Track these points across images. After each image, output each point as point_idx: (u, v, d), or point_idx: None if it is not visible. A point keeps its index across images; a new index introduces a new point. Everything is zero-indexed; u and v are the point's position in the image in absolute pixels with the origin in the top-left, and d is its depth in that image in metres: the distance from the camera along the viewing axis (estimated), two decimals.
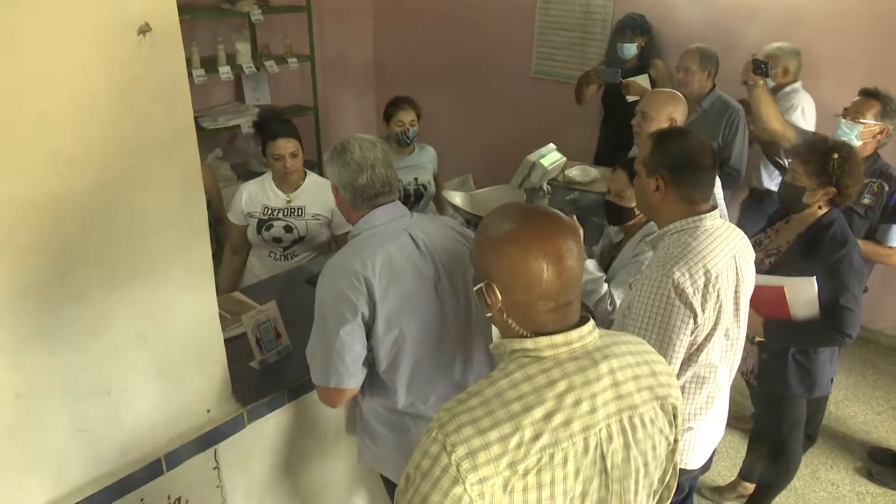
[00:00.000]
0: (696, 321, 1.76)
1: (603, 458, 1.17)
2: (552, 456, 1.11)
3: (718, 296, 1.78)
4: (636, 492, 1.22)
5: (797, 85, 3.77)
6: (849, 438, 3.46)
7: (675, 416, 1.28)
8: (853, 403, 3.73)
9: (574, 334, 1.18)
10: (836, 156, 2.31)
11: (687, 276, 1.74)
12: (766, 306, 2.35)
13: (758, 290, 2.18)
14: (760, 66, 3.11)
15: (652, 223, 2.44)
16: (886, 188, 2.83)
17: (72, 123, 1.35)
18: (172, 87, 1.49)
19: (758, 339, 2.48)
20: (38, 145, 1.32)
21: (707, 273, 1.76)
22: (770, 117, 3.14)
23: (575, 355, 1.18)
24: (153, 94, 1.46)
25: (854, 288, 2.30)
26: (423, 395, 1.87)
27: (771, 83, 3.25)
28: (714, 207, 1.88)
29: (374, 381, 1.86)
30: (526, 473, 1.10)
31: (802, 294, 2.28)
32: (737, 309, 1.90)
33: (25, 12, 1.24)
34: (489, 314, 1.24)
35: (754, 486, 2.95)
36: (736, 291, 1.87)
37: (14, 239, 1.33)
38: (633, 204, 2.41)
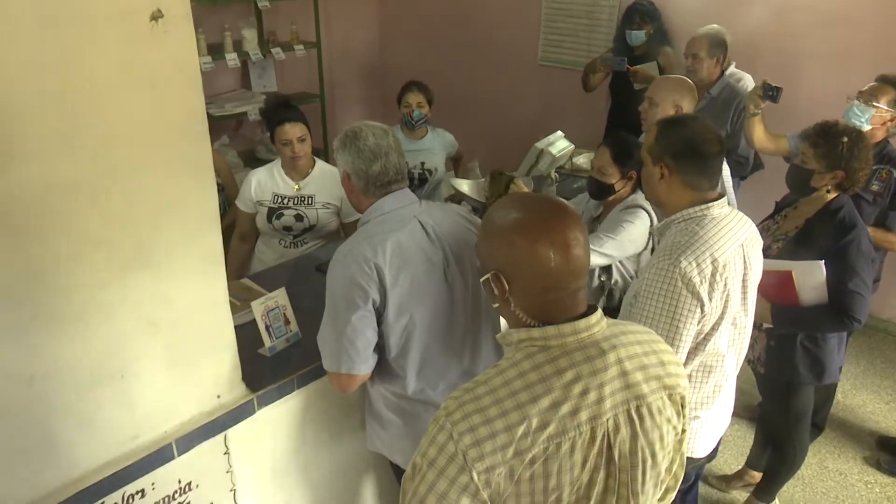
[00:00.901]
0: (702, 310, 1.75)
1: (610, 448, 1.17)
2: (559, 445, 1.12)
3: (726, 285, 1.78)
4: (643, 482, 1.22)
5: (734, 69, 3.72)
6: (857, 428, 3.46)
7: (682, 406, 1.28)
8: (861, 392, 3.72)
9: (582, 323, 1.18)
10: (845, 139, 2.31)
11: (694, 265, 1.73)
12: (774, 291, 2.34)
13: (765, 275, 2.17)
14: (771, 91, 3.05)
15: (633, 197, 2.55)
16: (895, 175, 2.81)
17: (85, 107, 1.35)
18: (184, 72, 1.48)
19: (765, 325, 2.48)
20: (52, 130, 1.32)
21: (714, 262, 1.75)
22: (762, 139, 3.19)
23: (583, 344, 1.18)
24: (165, 79, 1.45)
25: (863, 272, 2.28)
26: (432, 382, 1.88)
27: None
28: (722, 195, 1.87)
29: (384, 367, 1.86)
30: (532, 462, 1.10)
31: (811, 278, 2.27)
32: (744, 297, 1.89)
33: None
34: (496, 305, 1.24)
35: (761, 474, 2.95)
36: (744, 280, 1.86)
37: (28, 223, 1.33)
38: (615, 180, 2.54)
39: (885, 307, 4.19)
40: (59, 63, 1.29)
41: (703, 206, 1.83)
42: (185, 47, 1.47)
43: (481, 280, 1.24)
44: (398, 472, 2.06)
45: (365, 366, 1.79)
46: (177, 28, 1.44)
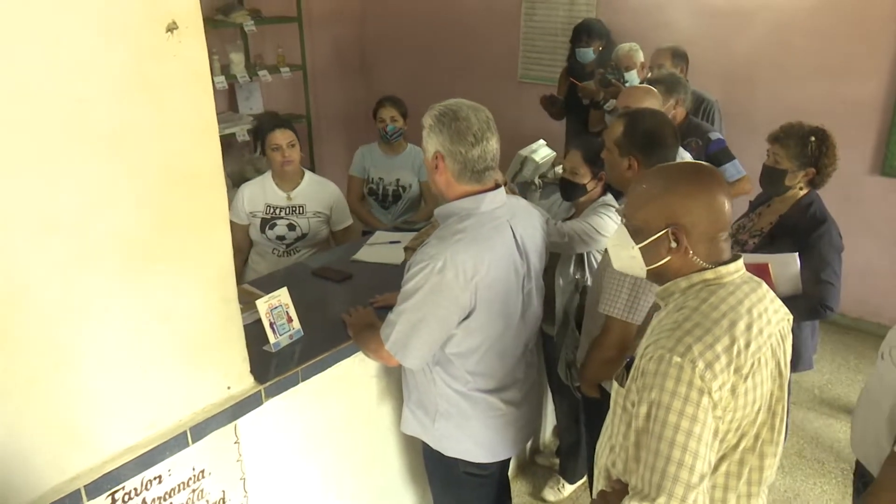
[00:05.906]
0: None
1: (778, 363, 1.40)
2: (758, 360, 1.33)
3: None
4: (786, 400, 1.46)
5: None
6: (833, 418, 3.61)
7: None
8: (836, 387, 3.89)
9: (740, 262, 1.41)
10: (813, 139, 2.47)
11: None
12: None
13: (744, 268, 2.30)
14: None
15: (603, 198, 2.64)
16: (701, 143, 3.27)
17: (109, 110, 1.45)
18: (197, 81, 1.59)
19: None
20: (77, 131, 1.42)
21: None
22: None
23: (743, 280, 1.41)
24: (181, 87, 1.56)
25: (834, 263, 2.44)
26: (486, 380, 1.93)
27: None
28: None
29: (446, 359, 1.90)
30: (746, 377, 1.30)
31: (786, 269, 2.41)
32: None
33: (65, 6, 1.35)
34: (664, 259, 1.40)
35: None
36: None
37: (47, 220, 1.42)
38: (587, 181, 2.57)
39: (856, 305, 4.36)
40: (84, 66, 1.39)
41: None
42: (197, 58, 1.58)
43: (645, 242, 1.40)
44: (428, 455, 2.12)
45: (418, 363, 1.84)
46: (190, 40, 1.55)
